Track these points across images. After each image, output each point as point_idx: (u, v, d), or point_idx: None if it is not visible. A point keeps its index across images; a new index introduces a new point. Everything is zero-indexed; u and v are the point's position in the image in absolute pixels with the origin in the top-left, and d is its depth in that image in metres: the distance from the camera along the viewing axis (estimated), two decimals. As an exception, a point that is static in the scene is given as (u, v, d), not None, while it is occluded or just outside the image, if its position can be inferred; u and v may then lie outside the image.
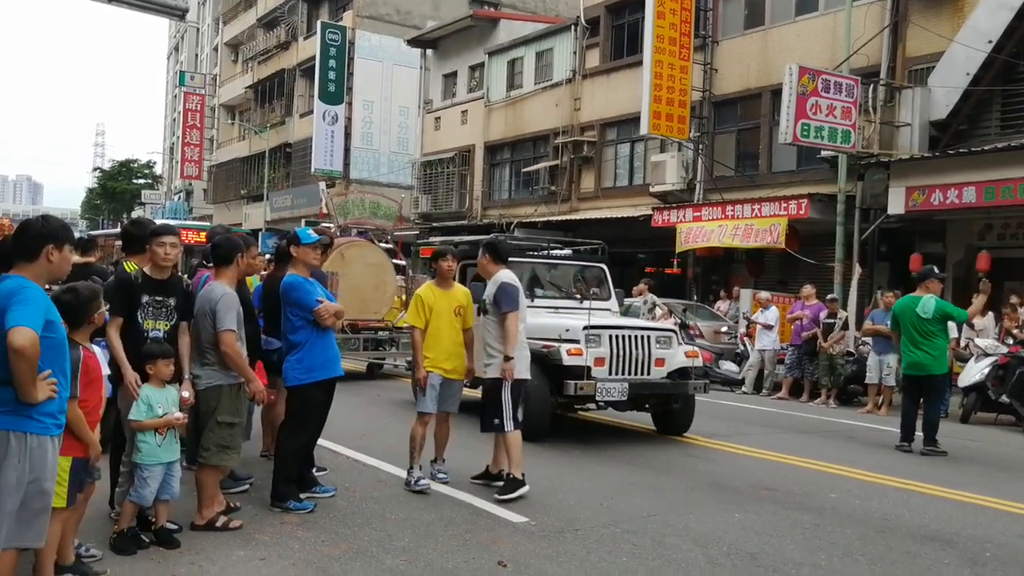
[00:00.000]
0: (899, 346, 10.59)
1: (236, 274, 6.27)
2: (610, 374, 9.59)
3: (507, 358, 7.11)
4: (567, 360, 9.37)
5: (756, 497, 7.57)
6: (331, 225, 17.08)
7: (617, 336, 9.73)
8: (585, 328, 9.54)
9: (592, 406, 10.25)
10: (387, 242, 17.67)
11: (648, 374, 9.81)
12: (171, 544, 5.53)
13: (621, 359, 9.66)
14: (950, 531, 6.72)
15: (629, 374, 9.69)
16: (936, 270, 10.73)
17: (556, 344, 9.51)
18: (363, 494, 7.09)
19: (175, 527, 5.78)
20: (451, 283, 7.68)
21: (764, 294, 16.96)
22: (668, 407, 10.33)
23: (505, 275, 7.45)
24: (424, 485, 7.23)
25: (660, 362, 9.91)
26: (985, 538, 6.56)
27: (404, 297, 14.71)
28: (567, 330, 9.74)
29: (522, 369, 7.30)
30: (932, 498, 7.89)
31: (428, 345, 7.35)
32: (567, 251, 12.51)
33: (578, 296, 11.12)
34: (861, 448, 10.53)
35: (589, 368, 9.38)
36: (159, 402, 5.51)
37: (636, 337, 9.83)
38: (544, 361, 9.35)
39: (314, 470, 7.20)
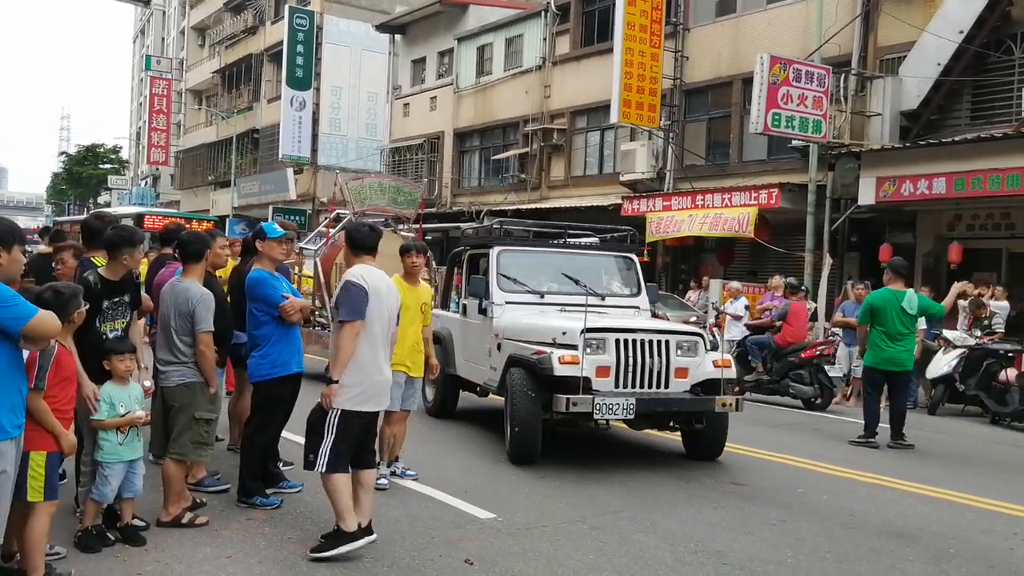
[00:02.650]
0: (865, 339, 10.43)
1: (204, 269, 6.27)
2: (617, 387, 8.06)
3: (330, 380, 5.48)
4: (559, 370, 7.83)
5: (724, 492, 7.57)
6: (346, 212, 16.24)
7: (626, 341, 8.13)
8: (584, 331, 7.96)
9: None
10: (408, 230, 16.16)
11: (666, 387, 8.20)
12: (137, 542, 5.51)
13: (631, 369, 8.10)
14: (915, 527, 6.75)
15: (641, 387, 8.13)
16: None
17: (549, 350, 8.07)
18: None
19: (142, 524, 5.75)
20: (418, 279, 7.56)
21: (735, 284, 16.99)
22: (691, 427, 8.71)
23: (357, 272, 5.65)
24: (384, 484, 7.06)
25: (682, 373, 8.27)
26: (949, 534, 6.60)
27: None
28: (564, 333, 8.21)
29: (361, 400, 5.55)
30: (899, 493, 7.93)
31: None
32: (593, 239, 11.01)
33: (600, 293, 9.59)
34: (829, 441, 10.57)
35: (588, 379, 7.88)
36: (120, 400, 5.48)
37: (651, 342, 8.19)
38: (534, 370, 8.11)
39: (280, 464, 7.13)
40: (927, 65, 16.78)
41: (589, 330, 7.98)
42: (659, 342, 8.22)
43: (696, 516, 6.74)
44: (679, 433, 9.06)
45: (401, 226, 16.24)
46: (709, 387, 8.40)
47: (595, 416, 7.84)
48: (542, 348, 8.16)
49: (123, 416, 5.44)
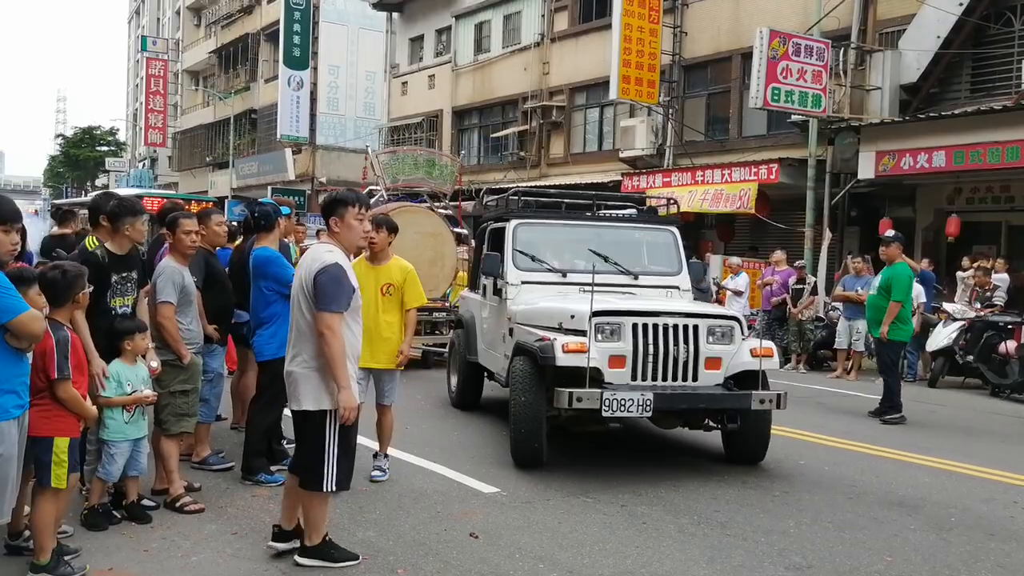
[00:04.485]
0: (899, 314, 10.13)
1: (180, 245, 6.23)
2: (633, 379, 6.96)
3: None
4: (562, 359, 6.75)
5: (726, 465, 7.59)
6: (379, 188, 15.20)
7: (645, 326, 7.00)
8: (594, 315, 6.92)
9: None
10: (445, 207, 15.31)
11: (694, 379, 7.06)
12: (143, 520, 5.56)
13: (651, 358, 6.97)
14: (917, 497, 6.79)
15: (664, 379, 7.01)
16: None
17: (553, 336, 7.03)
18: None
19: (153, 504, 5.82)
20: (384, 257, 6.75)
21: (735, 260, 17.01)
22: (723, 426, 7.53)
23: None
24: (377, 476, 6.75)
25: (713, 363, 7.11)
26: (951, 503, 6.64)
27: (468, 272, 12.65)
28: (572, 316, 7.16)
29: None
30: (900, 464, 7.97)
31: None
32: (630, 211, 9.92)
33: (632, 271, 8.53)
34: (830, 414, 10.61)
35: (599, 370, 6.87)
36: (128, 379, 5.50)
37: (676, 328, 7.03)
38: (536, 360, 7.08)
39: (283, 442, 7.16)
40: (927, 38, 16.71)
41: (600, 313, 6.94)
42: (686, 327, 7.05)
43: (699, 489, 6.78)
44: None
45: (437, 203, 15.48)
46: (747, 380, 7.20)
47: (604, 413, 6.68)
48: (547, 334, 7.12)
49: (130, 395, 5.47)
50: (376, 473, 6.74)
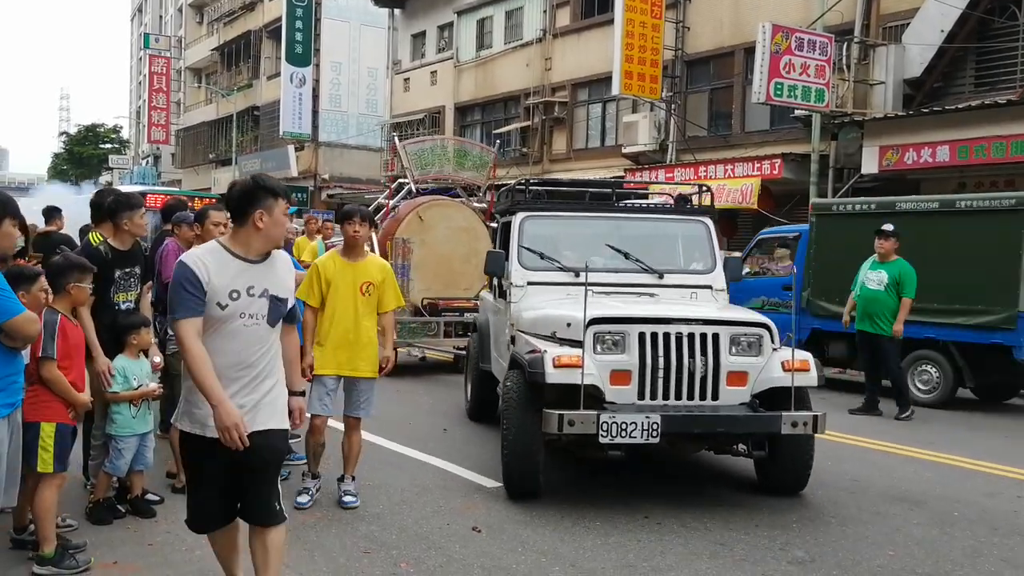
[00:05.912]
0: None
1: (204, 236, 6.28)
2: (640, 398, 6.01)
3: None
4: (552, 375, 5.83)
5: (727, 461, 7.56)
6: (407, 181, 14.44)
7: (654, 335, 6.03)
8: (591, 322, 5.98)
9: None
10: (479, 200, 14.37)
11: (714, 398, 6.07)
12: (147, 514, 5.60)
13: (662, 373, 6.01)
14: (920, 491, 6.78)
15: (677, 398, 6.02)
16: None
17: (544, 348, 6.09)
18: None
19: (157, 498, 5.83)
20: (361, 253, 6.11)
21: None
22: (750, 453, 6.47)
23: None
24: (302, 502, 5.94)
25: (738, 378, 6.11)
26: (954, 497, 6.64)
27: None
28: (568, 324, 6.21)
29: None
30: (903, 459, 7.97)
31: (319, 331, 5.98)
32: (662, 199, 9.02)
33: (657, 269, 7.47)
34: (832, 409, 10.51)
35: (597, 388, 5.91)
36: (134, 374, 5.52)
37: (691, 337, 6.05)
38: (526, 376, 6.11)
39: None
40: (930, 32, 16.68)
41: (599, 320, 6.03)
42: (703, 336, 6.06)
43: (701, 487, 6.79)
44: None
45: (471, 197, 14.91)
46: (779, 398, 6.18)
47: (601, 439, 5.72)
48: (541, 344, 6.22)
49: (136, 389, 5.49)
50: (347, 499, 5.98)
